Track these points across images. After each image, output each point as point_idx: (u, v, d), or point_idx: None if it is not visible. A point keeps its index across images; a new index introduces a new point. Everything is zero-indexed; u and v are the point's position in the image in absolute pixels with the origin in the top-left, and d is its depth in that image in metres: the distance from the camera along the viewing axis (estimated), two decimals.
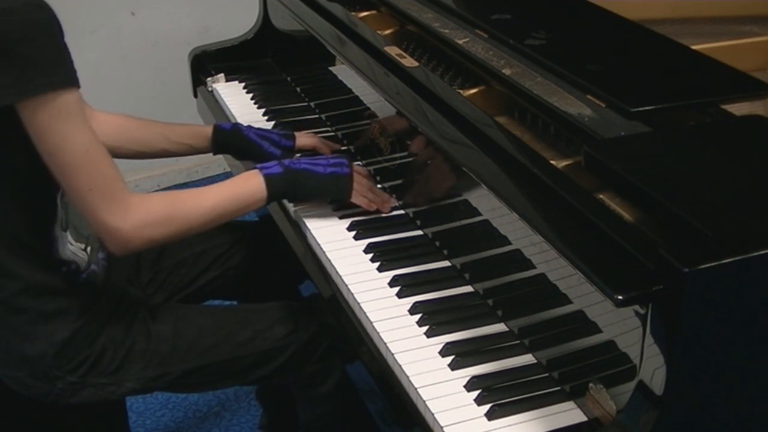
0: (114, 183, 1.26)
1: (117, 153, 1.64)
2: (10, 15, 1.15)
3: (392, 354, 1.26)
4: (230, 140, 1.71)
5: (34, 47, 1.17)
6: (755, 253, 0.94)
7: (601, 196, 1.15)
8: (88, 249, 1.41)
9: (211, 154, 1.75)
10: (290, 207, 1.61)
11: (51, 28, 1.19)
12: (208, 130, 1.71)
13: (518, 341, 1.28)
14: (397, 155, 1.60)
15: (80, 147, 1.22)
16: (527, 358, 1.25)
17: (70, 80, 1.21)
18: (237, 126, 1.72)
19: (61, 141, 1.21)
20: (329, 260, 1.46)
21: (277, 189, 1.44)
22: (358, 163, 1.70)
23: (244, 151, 1.73)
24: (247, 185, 1.43)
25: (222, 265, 1.71)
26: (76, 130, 1.22)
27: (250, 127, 1.73)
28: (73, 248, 1.38)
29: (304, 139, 1.75)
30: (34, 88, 1.17)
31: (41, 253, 1.34)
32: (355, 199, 1.53)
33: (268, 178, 1.43)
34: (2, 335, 1.40)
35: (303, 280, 1.59)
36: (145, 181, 3.23)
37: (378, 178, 1.69)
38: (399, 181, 1.63)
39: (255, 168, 1.45)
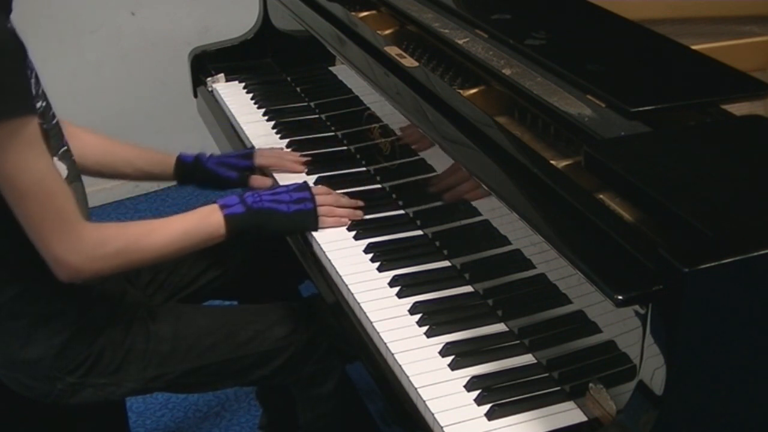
0: (67, 213, 1.25)
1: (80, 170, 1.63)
2: None
3: (392, 354, 1.26)
4: (191, 172, 1.69)
5: None
6: (755, 253, 0.94)
7: (601, 196, 1.15)
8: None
9: (214, 149, 1.73)
10: None
11: (10, 54, 1.17)
12: (172, 161, 1.68)
13: (518, 341, 1.28)
14: (397, 155, 1.60)
15: (34, 176, 1.20)
16: (527, 358, 1.25)
17: (24, 109, 1.19)
18: (199, 156, 1.70)
19: (14, 169, 1.19)
20: (329, 260, 1.46)
21: (238, 228, 1.42)
22: (358, 170, 1.70)
23: (204, 182, 1.71)
24: (207, 222, 1.40)
25: (222, 265, 1.71)
26: (30, 158, 1.20)
27: (211, 156, 1.71)
28: None
29: (264, 158, 1.72)
30: None
31: (38, 257, 1.33)
32: (324, 224, 1.50)
33: (229, 218, 1.41)
34: (1, 339, 1.40)
35: (303, 280, 1.59)
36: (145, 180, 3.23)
37: (378, 179, 1.69)
38: (399, 181, 1.63)
39: (215, 203, 1.43)
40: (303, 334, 1.53)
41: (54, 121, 1.38)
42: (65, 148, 1.39)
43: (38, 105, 1.29)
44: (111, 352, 1.42)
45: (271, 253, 1.74)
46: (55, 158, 1.37)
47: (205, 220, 1.40)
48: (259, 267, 1.75)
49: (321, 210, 1.50)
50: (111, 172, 1.66)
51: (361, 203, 1.57)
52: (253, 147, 1.80)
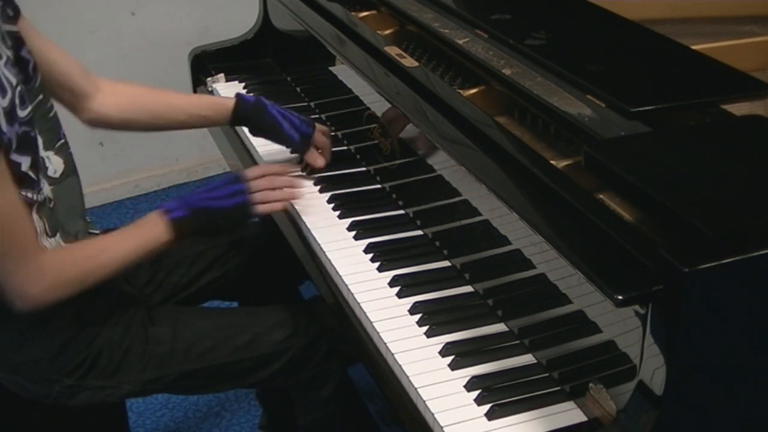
0: (27, 246, 1.25)
1: (130, 125, 1.63)
2: None
3: (392, 354, 1.26)
4: (251, 114, 1.66)
5: None
6: (755, 253, 0.94)
7: (601, 196, 1.15)
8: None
9: (215, 149, 1.72)
10: (290, 208, 1.61)
11: None
12: (230, 102, 1.66)
13: (518, 341, 1.28)
14: (398, 155, 1.60)
15: None
16: (527, 358, 1.25)
17: None
18: (260, 100, 1.67)
19: None
20: (329, 260, 1.46)
21: (184, 231, 1.41)
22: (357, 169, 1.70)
23: (262, 127, 1.68)
24: (153, 232, 1.40)
25: (222, 266, 1.70)
26: None
27: (273, 104, 1.69)
28: None
29: (320, 136, 1.70)
30: None
31: None
32: (263, 209, 1.48)
33: (173, 223, 1.40)
34: (1, 340, 1.39)
35: (303, 281, 1.59)
36: (145, 180, 3.23)
37: (378, 179, 1.69)
38: (399, 181, 1.63)
39: (157, 210, 1.42)
40: (302, 338, 1.52)
41: (51, 114, 1.37)
42: (62, 141, 1.39)
43: (28, 109, 1.27)
44: (109, 354, 1.42)
45: (271, 253, 1.74)
46: (51, 152, 1.36)
47: (152, 230, 1.40)
48: (259, 267, 1.75)
49: (255, 197, 1.47)
50: (162, 120, 1.64)
51: (299, 182, 1.57)
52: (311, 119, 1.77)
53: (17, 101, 1.25)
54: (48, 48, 1.43)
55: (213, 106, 1.67)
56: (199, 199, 1.43)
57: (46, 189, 1.33)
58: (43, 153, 1.34)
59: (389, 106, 1.55)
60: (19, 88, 1.27)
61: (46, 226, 1.33)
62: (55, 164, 1.37)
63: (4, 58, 1.26)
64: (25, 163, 1.26)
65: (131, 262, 1.39)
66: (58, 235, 1.35)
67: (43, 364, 1.39)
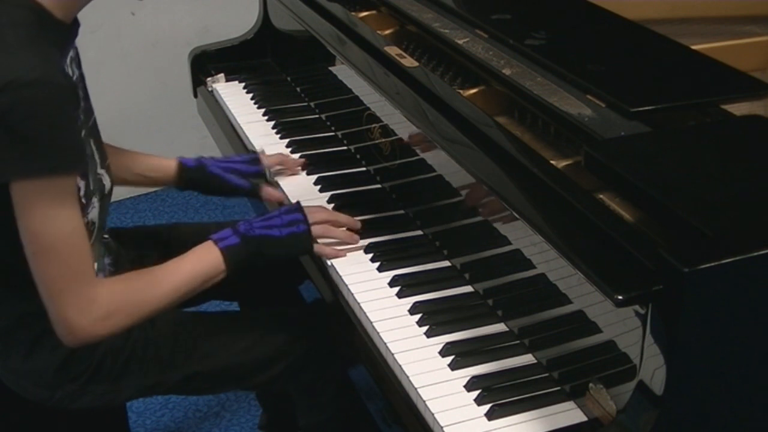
0: (84, 275, 1.21)
1: None
2: (17, 90, 1.09)
3: (392, 354, 1.26)
4: (195, 177, 1.64)
5: (35, 128, 1.11)
6: (755, 253, 0.94)
7: (601, 196, 1.15)
8: (95, 264, 1.37)
9: (215, 150, 1.70)
10: None
11: (56, 107, 1.13)
12: (172, 165, 1.63)
13: (518, 341, 1.28)
14: (397, 156, 1.60)
15: (60, 234, 1.17)
16: (527, 358, 1.25)
17: (68, 165, 1.16)
18: (201, 162, 1.64)
19: (41, 225, 1.16)
20: (329, 260, 1.46)
21: (238, 260, 1.37)
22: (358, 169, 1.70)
23: (210, 188, 1.66)
24: (206, 261, 1.35)
25: None
26: (63, 214, 1.16)
27: (213, 159, 1.66)
28: None
29: (269, 158, 1.70)
30: (26, 170, 1.12)
31: None
32: (319, 250, 1.45)
33: (226, 251, 1.35)
34: (6, 349, 1.39)
35: (303, 280, 1.59)
36: None
37: (378, 179, 1.69)
38: (399, 182, 1.63)
39: (209, 239, 1.38)
40: (303, 341, 1.51)
41: (100, 133, 1.37)
42: (108, 160, 1.39)
43: (90, 120, 1.27)
44: (111, 360, 1.41)
45: None
46: (104, 170, 1.36)
47: (205, 258, 1.36)
48: (258, 270, 1.73)
49: (315, 230, 1.43)
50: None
51: (358, 224, 1.51)
52: (254, 151, 1.78)
53: (80, 121, 1.26)
54: None
55: (157, 169, 1.64)
56: (252, 228, 1.39)
57: (93, 213, 1.32)
58: (99, 170, 1.35)
59: (389, 107, 1.55)
60: (82, 104, 1.28)
61: None
62: (106, 182, 1.38)
63: (76, 76, 1.28)
64: (82, 187, 1.26)
65: (185, 293, 1.33)
66: None
67: (49, 373, 1.38)
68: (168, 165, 1.64)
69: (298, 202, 1.48)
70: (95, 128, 1.37)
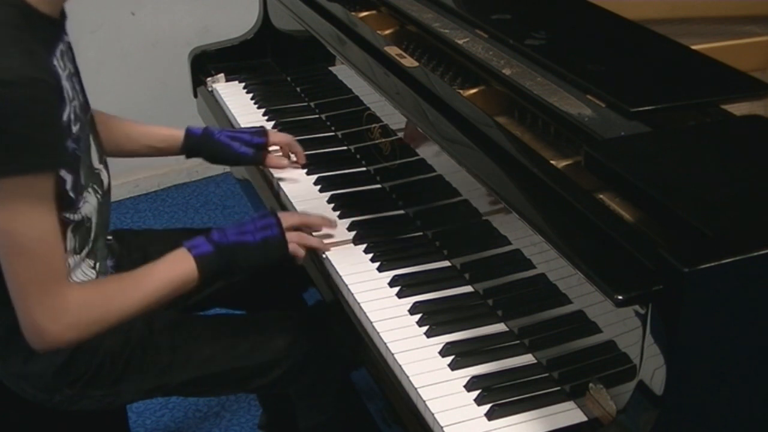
0: (57, 278, 1.20)
1: None
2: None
3: (392, 354, 1.26)
4: (201, 145, 1.68)
5: (9, 127, 1.10)
6: (755, 253, 0.94)
7: (601, 196, 1.15)
8: (97, 265, 1.38)
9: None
10: (291, 208, 1.61)
11: (34, 107, 1.12)
12: (179, 134, 1.66)
13: (518, 341, 1.28)
14: (397, 155, 1.60)
15: (33, 235, 1.15)
16: (527, 358, 1.25)
17: (42, 165, 1.14)
18: (208, 129, 1.68)
19: (14, 223, 1.14)
20: (329, 260, 1.46)
21: (211, 268, 1.35)
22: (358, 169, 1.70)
23: (215, 155, 1.70)
24: (179, 268, 1.33)
25: (222, 280, 1.68)
26: (35, 216, 1.15)
27: (222, 129, 1.70)
28: (84, 268, 1.35)
29: (278, 136, 1.73)
30: (4, 169, 1.11)
31: None
32: (294, 250, 1.42)
33: (200, 259, 1.34)
34: (6, 353, 1.39)
35: (307, 288, 1.58)
36: (145, 180, 3.23)
37: (378, 179, 1.69)
38: (399, 182, 1.63)
39: (183, 247, 1.36)
40: (303, 345, 1.51)
41: (95, 128, 1.37)
42: (105, 156, 1.39)
43: (78, 126, 1.26)
44: (110, 364, 1.40)
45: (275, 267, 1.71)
46: (102, 165, 1.36)
47: (178, 266, 1.34)
48: (264, 280, 1.73)
49: (291, 235, 1.42)
50: (115, 150, 1.62)
51: (334, 222, 1.51)
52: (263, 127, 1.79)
53: (72, 116, 1.25)
54: None
55: (164, 138, 1.67)
56: (226, 237, 1.37)
57: (87, 208, 1.31)
58: (97, 165, 1.35)
59: (389, 107, 1.55)
60: (74, 102, 1.27)
61: (76, 244, 1.31)
62: (104, 178, 1.38)
63: (67, 71, 1.26)
64: (69, 181, 1.24)
65: (157, 300, 1.32)
66: (84, 251, 1.33)
67: (48, 377, 1.38)
68: (176, 135, 1.67)
69: (271, 209, 1.48)
70: (92, 123, 1.36)
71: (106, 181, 1.38)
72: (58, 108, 1.20)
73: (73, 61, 1.33)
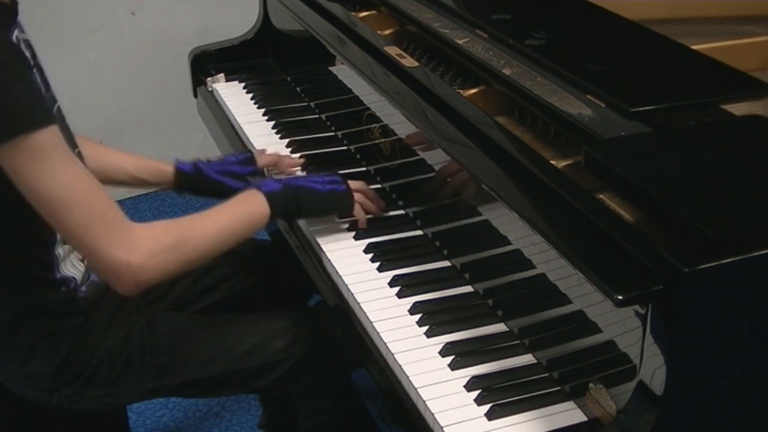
0: (111, 214, 1.19)
1: None
2: None
3: (392, 354, 1.26)
4: (192, 183, 1.65)
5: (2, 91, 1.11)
6: (755, 253, 0.94)
7: (601, 196, 1.15)
8: (85, 260, 1.37)
9: (215, 149, 1.72)
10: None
11: (16, 69, 1.13)
12: (169, 170, 1.63)
13: (518, 341, 1.28)
14: (397, 156, 1.60)
15: (64, 183, 1.15)
16: (527, 358, 1.25)
17: (42, 120, 1.14)
18: (197, 166, 1.64)
19: (42, 181, 1.14)
20: (329, 260, 1.46)
21: (280, 205, 1.41)
22: (358, 169, 1.70)
23: (207, 191, 1.67)
24: (250, 204, 1.39)
25: (227, 289, 1.68)
26: (56, 167, 1.15)
27: (209, 163, 1.66)
28: (73, 260, 1.35)
29: (264, 157, 1.72)
30: (3, 135, 1.12)
31: (40, 275, 1.31)
32: (357, 212, 1.52)
33: (270, 195, 1.39)
34: (4, 355, 1.39)
35: (312, 294, 1.58)
36: None
37: (378, 179, 1.69)
38: (399, 182, 1.63)
39: (252, 187, 1.41)
40: (303, 346, 1.51)
41: (66, 122, 1.36)
42: (78, 149, 1.38)
43: (54, 107, 1.28)
44: (109, 364, 1.40)
45: (276, 278, 1.72)
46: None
47: (249, 202, 1.39)
48: (264, 292, 1.72)
49: (357, 197, 1.51)
50: (104, 179, 1.57)
51: (383, 206, 1.58)
52: (249, 151, 1.79)
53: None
54: None
55: (153, 172, 1.64)
56: (296, 179, 1.47)
57: None
58: None
59: (389, 107, 1.55)
60: (43, 91, 1.26)
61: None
62: None
63: (31, 61, 1.25)
64: None
65: (230, 236, 1.34)
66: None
67: (47, 377, 1.38)
68: (164, 169, 1.63)
69: (338, 172, 1.55)
70: (60, 115, 1.34)
71: None
72: (30, 71, 1.20)
73: (34, 56, 1.31)
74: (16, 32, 1.26)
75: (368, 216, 1.54)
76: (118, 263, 1.18)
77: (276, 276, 1.73)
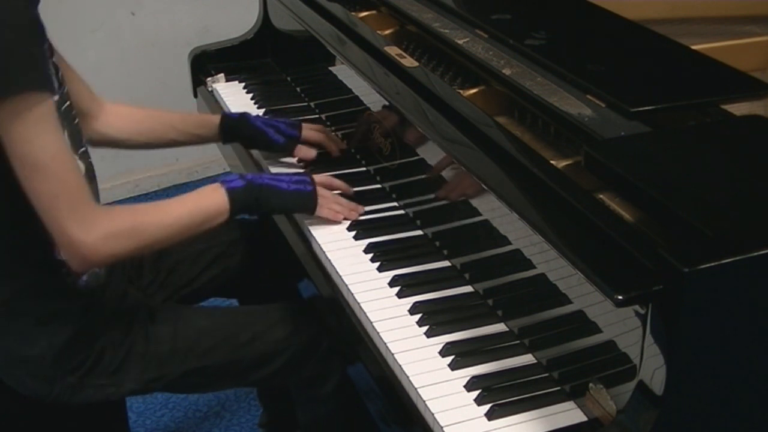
0: (80, 193, 1.23)
1: (126, 144, 1.66)
2: None
3: (392, 354, 1.26)
4: (238, 128, 1.73)
5: (5, 48, 1.14)
6: (755, 253, 0.94)
7: (601, 196, 1.15)
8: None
9: (214, 149, 1.75)
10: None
11: (26, 29, 1.17)
12: (217, 120, 1.73)
13: (518, 341, 1.28)
14: (397, 155, 1.60)
15: (48, 152, 1.19)
16: (527, 358, 1.25)
17: (42, 85, 1.18)
18: (245, 114, 1.74)
19: (28, 144, 1.18)
20: (329, 260, 1.46)
21: (240, 202, 1.42)
22: (357, 170, 1.70)
23: (251, 139, 1.75)
24: (210, 198, 1.41)
25: (222, 264, 1.71)
26: (45, 134, 1.19)
27: (258, 116, 1.75)
28: None
29: (311, 132, 1.76)
30: (4, 89, 1.15)
31: (41, 254, 1.33)
32: (320, 212, 1.53)
33: (231, 191, 1.41)
34: (2, 338, 1.39)
35: (302, 278, 1.59)
36: (145, 180, 3.23)
37: (378, 179, 1.69)
38: (399, 182, 1.63)
39: (217, 182, 1.44)
40: (302, 336, 1.52)
41: (76, 121, 1.38)
42: (84, 149, 1.40)
43: (63, 105, 1.29)
44: (111, 353, 1.42)
45: (270, 251, 1.74)
46: (76, 157, 1.36)
47: (210, 196, 1.42)
48: (259, 265, 1.75)
49: (324, 195, 1.53)
50: (156, 140, 1.69)
51: (362, 209, 1.58)
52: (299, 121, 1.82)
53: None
54: (64, 67, 1.44)
55: (202, 123, 1.74)
56: (260, 178, 1.47)
57: None
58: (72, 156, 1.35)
59: (389, 107, 1.55)
60: (56, 87, 1.28)
61: None
62: (80, 168, 1.38)
63: (48, 63, 1.27)
64: None
65: (187, 227, 1.37)
66: None
67: (47, 361, 1.39)
68: (211, 119, 1.74)
69: (308, 171, 1.56)
70: (68, 114, 1.36)
71: (82, 170, 1.38)
72: (44, 45, 1.22)
73: (52, 54, 1.34)
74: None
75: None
76: (74, 239, 1.23)
77: (266, 253, 1.75)
